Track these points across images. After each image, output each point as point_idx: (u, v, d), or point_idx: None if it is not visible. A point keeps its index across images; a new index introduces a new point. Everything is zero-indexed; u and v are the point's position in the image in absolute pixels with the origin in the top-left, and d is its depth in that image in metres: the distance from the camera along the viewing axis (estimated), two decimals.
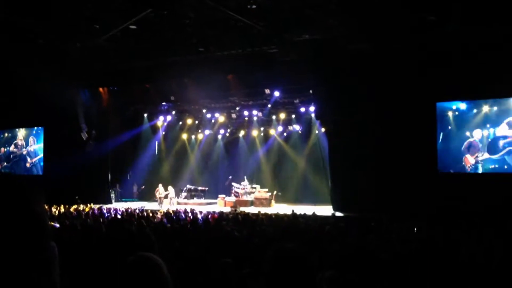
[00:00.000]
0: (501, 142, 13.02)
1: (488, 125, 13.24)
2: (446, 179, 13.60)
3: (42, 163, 19.36)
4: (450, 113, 13.83)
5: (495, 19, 11.12)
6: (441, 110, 13.92)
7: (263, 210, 14.54)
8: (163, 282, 1.54)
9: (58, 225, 7.56)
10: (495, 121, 13.16)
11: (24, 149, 19.64)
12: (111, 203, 17.80)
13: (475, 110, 13.49)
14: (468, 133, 13.50)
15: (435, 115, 13.87)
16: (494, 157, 13.08)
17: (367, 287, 3.49)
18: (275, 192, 18.18)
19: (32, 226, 1.15)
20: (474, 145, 13.35)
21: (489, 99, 13.29)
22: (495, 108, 13.19)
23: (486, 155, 13.19)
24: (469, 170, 13.47)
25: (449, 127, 13.76)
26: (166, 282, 1.55)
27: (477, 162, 13.32)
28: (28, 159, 19.54)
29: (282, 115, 18.71)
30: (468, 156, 13.45)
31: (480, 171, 13.33)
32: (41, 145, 19.40)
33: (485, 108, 13.32)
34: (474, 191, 12.36)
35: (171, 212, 13.48)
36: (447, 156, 13.80)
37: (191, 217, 11.77)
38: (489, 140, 13.23)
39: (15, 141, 19.66)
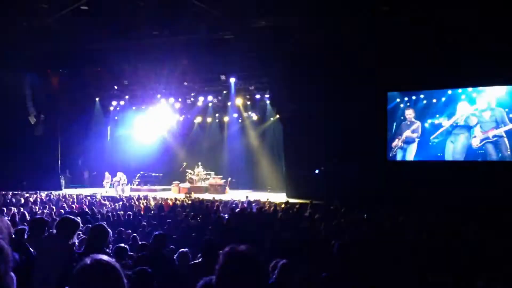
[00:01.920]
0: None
1: (437, 115, 13.76)
2: (393, 167, 14.15)
3: None
4: (400, 103, 14.27)
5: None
6: (392, 99, 14.34)
7: (218, 196, 14.61)
8: (120, 285, 1.57)
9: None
10: (442, 111, 13.70)
11: None
12: (60, 189, 17.28)
13: (425, 101, 13.95)
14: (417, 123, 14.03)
15: (386, 104, 14.29)
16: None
17: (318, 274, 3.60)
18: (229, 179, 18.23)
19: None
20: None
21: (439, 89, 13.79)
22: (443, 99, 13.69)
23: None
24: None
25: (401, 117, 14.21)
26: (123, 284, 1.58)
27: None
28: None
29: (238, 101, 18.66)
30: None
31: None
32: None
33: (434, 99, 13.82)
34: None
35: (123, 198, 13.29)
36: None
37: (144, 204, 11.65)
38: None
39: None
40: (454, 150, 13.45)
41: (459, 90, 13.49)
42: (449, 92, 13.61)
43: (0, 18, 12.89)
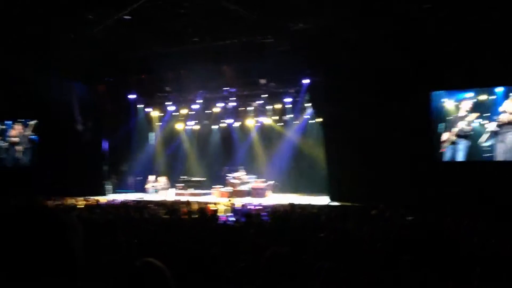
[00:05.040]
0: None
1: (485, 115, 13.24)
2: (444, 168, 13.71)
3: (31, 156, 19.13)
4: (446, 102, 13.82)
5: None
6: (437, 99, 13.91)
7: (259, 200, 14.65)
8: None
9: None
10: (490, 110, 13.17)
11: (16, 141, 19.41)
12: (104, 195, 17.77)
13: (472, 101, 13.45)
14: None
15: (430, 104, 13.88)
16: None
17: (362, 277, 3.53)
18: (272, 182, 18.20)
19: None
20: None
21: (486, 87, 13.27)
22: (492, 97, 13.16)
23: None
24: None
25: (447, 117, 13.75)
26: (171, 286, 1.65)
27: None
28: (17, 149, 19.31)
29: (278, 105, 18.67)
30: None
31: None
32: (34, 137, 19.22)
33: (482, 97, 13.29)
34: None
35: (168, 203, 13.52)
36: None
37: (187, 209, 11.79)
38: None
39: (8, 133, 19.45)
40: (505, 149, 12.88)
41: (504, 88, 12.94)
42: (498, 90, 13.07)
43: (47, 30, 13.45)
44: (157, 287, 1.63)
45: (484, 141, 13.13)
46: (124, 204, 12.90)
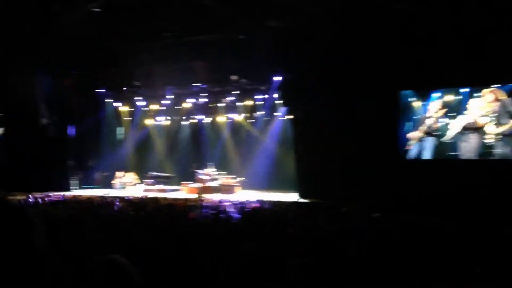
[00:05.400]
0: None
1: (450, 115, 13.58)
2: (409, 166, 13.99)
3: None
4: (414, 101, 14.09)
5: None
6: (405, 98, 14.17)
7: (228, 196, 14.62)
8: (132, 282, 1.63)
9: None
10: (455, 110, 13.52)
11: None
12: (69, 190, 17.37)
13: (439, 100, 13.77)
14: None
15: (398, 103, 14.13)
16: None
17: (333, 273, 3.54)
18: (242, 179, 18.19)
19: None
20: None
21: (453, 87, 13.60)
22: (458, 97, 13.50)
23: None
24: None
25: (414, 116, 14.04)
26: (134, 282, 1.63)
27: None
28: None
29: (249, 102, 18.64)
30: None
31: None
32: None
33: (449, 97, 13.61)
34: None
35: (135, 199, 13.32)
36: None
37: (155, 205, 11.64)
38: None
39: None
40: (467, 149, 13.26)
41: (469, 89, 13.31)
42: (463, 90, 13.41)
43: (11, 22, 13.03)
44: (122, 283, 1.59)
45: (448, 140, 13.48)
46: (89, 200, 12.63)
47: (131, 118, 20.95)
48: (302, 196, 14.74)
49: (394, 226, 7.17)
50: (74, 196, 14.07)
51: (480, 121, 13.06)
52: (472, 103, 13.21)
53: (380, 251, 4.44)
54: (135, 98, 19.76)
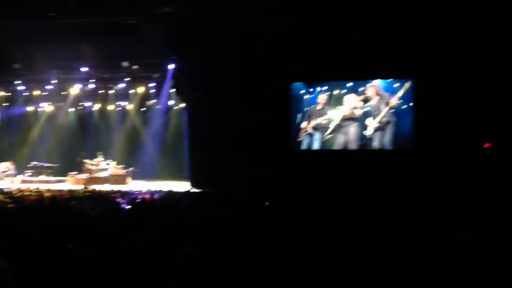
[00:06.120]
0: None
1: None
2: (300, 156, 14.57)
3: None
4: (305, 94, 14.68)
5: None
6: (296, 90, 14.69)
7: (118, 187, 14.13)
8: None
9: None
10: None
11: None
12: None
13: (327, 93, 14.50)
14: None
15: (289, 95, 14.63)
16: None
17: (227, 262, 3.54)
18: (131, 169, 17.67)
19: None
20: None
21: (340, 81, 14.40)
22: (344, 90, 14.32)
23: None
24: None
25: (304, 108, 14.62)
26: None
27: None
28: None
29: (141, 89, 18.01)
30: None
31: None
32: None
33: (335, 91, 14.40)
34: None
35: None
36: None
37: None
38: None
39: None
40: (349, 139, 14.18)
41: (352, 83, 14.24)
42: (349, 84, 14.27)
43: None
44: None
45: (329, 132, 14.31)
46: None
47: (8, 104, 19.15)
48: (194, 185, 14.69)
49: (285, 214, 7.43)
50: None
51: (356, 112, 14.06)
52: (349, 98, 14.18)
53: (272, 238, 4.56)
54: (15, 82, 18.03)
